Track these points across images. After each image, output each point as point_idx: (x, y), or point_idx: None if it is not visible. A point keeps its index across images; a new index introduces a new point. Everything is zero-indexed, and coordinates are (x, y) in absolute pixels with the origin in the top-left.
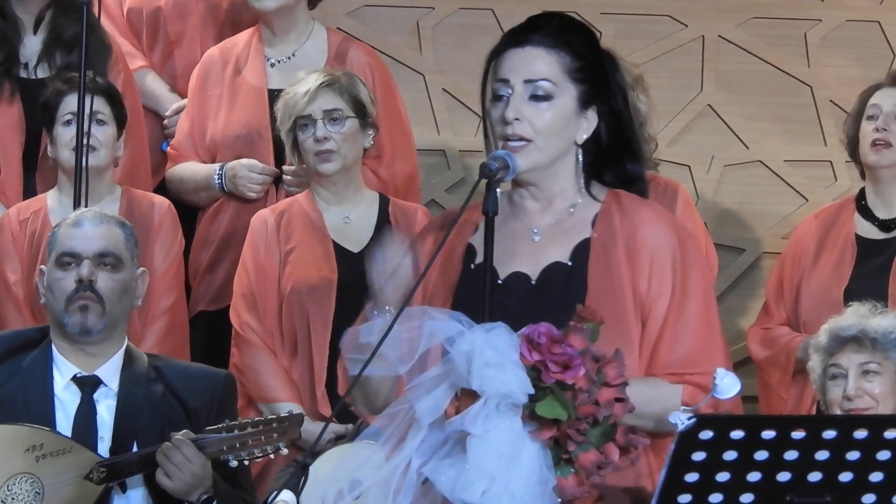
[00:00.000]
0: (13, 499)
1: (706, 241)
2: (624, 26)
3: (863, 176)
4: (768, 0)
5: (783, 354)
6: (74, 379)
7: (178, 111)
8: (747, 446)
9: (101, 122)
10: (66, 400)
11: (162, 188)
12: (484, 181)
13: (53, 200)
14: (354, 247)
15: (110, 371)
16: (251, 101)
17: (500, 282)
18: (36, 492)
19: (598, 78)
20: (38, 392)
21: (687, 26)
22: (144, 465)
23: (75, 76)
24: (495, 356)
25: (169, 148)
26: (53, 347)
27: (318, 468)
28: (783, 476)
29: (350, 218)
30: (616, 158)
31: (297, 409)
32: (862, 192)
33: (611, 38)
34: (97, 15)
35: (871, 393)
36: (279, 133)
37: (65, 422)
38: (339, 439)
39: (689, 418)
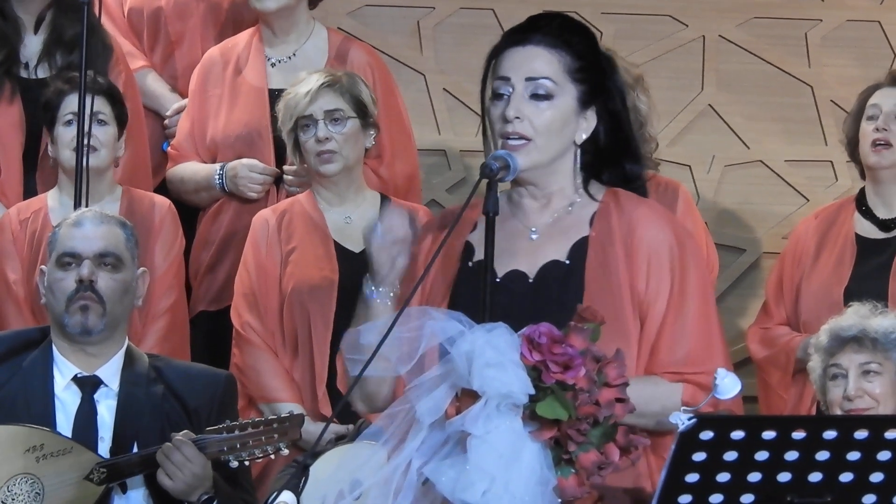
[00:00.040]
0: (13, 499)
1: (707, 241)
2: (624, 26)
3: (862, 176)
4: (769, 0)
5: (783, 354)
6: (75, 379)
7: (179, 111)
8: (748, 447)
9: (102, 123)
10: (67, 400)
11: (162, 188)
12: (484, 181)
13: (54, 200)
14: (356, 247)
15: (111, 371)
16: (252, 101)
17: (497, 280)
18: (36, 492)
19: (598, 79)
20: (39, 392)
21: (687, 26)
22: (145, 465)
23: (76, 76)
24: (496, 356)
25: (169, 148)
26: (54, 348)
27: (318, 468)
28: (784, 476)
29: (351, 218)
30: (614, 159)
31: (297, 409)
32: (862, 192)
33: (611, 38)
34: (98, 15)
35: (872, 393)
36: (280, 133)
37: (65, 422)
38: (340, 440)
39: (690, 418)
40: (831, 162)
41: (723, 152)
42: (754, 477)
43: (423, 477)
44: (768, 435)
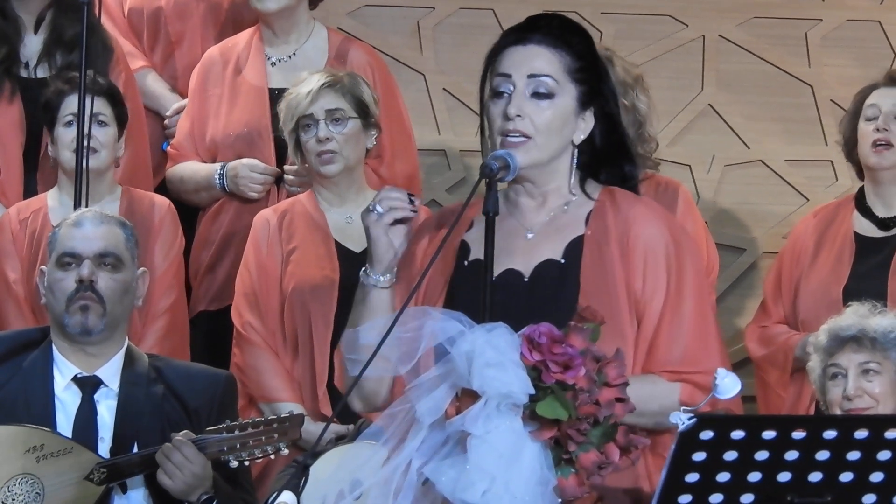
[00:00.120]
0: (14, 499)
1: (707, 241)
2: (624, 26)
3: (859, 176)
4: (769, 0)
5: (781, 353)
6: (75, 379)
7: (179, 111)
8: (748, 446)
9: (102, 124)
10: (67, 400)
11: (163, 188)
12: (484, 181)
13: (54, 200)
14: (356, 246)
15: (111, 371)
16: (252, 100)
17: (493, 279)
18: (36, 492)
19: (596, 80)
20: (39, 392)
21: (687, 26)
22: (145, 465)
23: (76, 76)
24: (496, 356)
25: (169, 147)
26: (54, 348)
27: (318, 468)
28: (784, 476)
29: (352, 218)
30: (611, 160)
31: (298, 409)
32: (861, 191)
33: (611, 38)
34: (98, 15)
35: (871, 392)
36: (280, 133)
37: (65, 422)
38: (340, 440)
39: (690, 418)
40: (831, 162)
41: (723, 152)
42: (754, 477)
43: (424, 477)
44: (768, 435)
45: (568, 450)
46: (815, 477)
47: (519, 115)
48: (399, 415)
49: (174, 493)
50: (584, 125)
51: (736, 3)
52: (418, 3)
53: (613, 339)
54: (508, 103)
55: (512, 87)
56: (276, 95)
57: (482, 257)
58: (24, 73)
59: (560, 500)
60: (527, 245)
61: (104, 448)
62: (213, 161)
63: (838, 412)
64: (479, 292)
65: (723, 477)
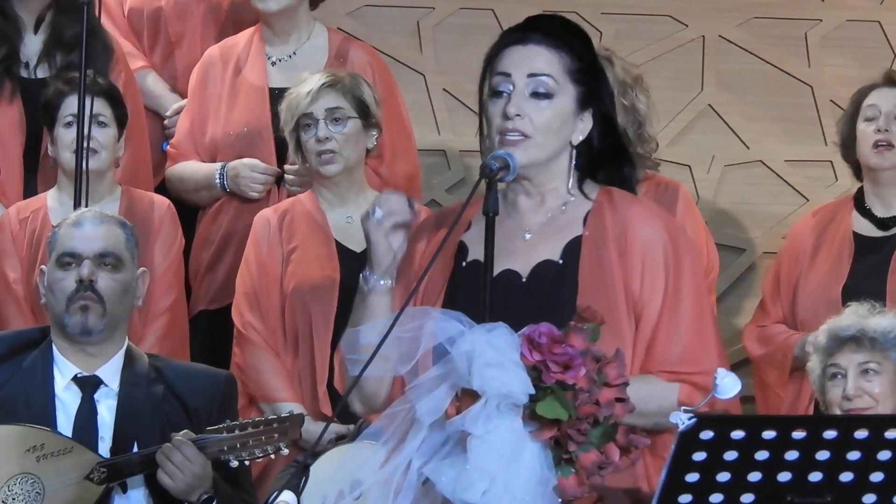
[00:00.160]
0: (14, 499)
1: (707, 241)
2: (624, 26)
3: (856, 175)
4: (768, 0)
5: (780, 352)
6: (75, 379)
7: (179, 111)
8: (748, 446)
9: (102, 125)
10: (67, 400)
11: (163, 188)
12: (484, 181)
13: (53, 200)
14: (357, 246)
15: (111, 371)
16: (252, 99)
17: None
18: (37, 492)
19: (595, 82)
20: (39, 392)
21: (687, 26)
22: (145, 465)
23: (76, 76)
24: (496, 356)
25: (168, 146)
26: (54, 348)
27: (318, 468)
28: (784, 476)
29: (353, 218)
30: (609, 162)
31: (298, 408)
32: (860, 191)
33: (611, 38)
34: (97, 15)
35: (871, 392)
36: (281, 132)
37: (65, 422)
38: (340, 439)
39: (690, 418)
40: (831, 162)
41: (723, 152)
42: (754, 476)
43: (424, 477)
44: (768, 434)
45: (568, 450)
46: (815, 477)
47: (518, 115)
48: (399, 415)
49: (174, 493)
50: (583, 126)
51: (736, 3)
52: (418, 3)
53: (611, 339)
54: (508, 102)
55: (511, 87)
56: (276, 95)
57: (480, 258)
58: (24, 73)
59: (560, 500)
60: (525, 246)
61: (104, 448)
62: (213, 160)
63: (838, 412)
64: (477, 293)
65: (723, 477)
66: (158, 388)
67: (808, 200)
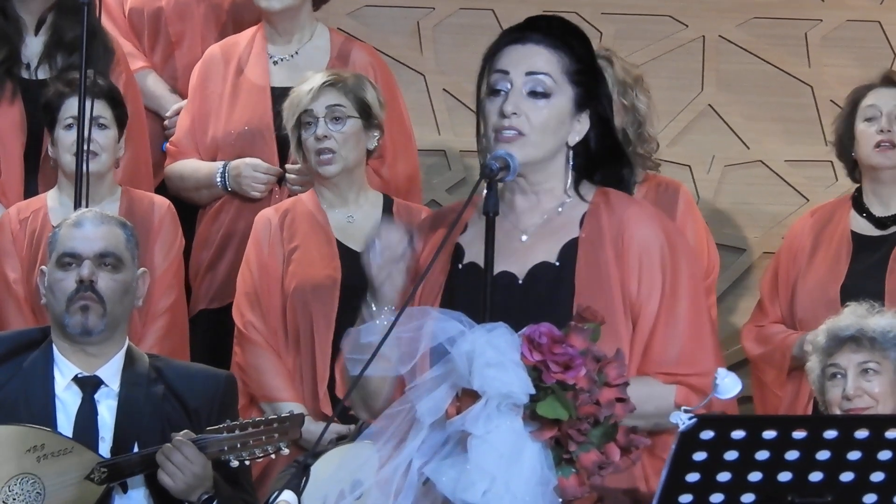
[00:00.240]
0: (14, 499)
1: (708, 242)
2: (624, 26)
3: (851, 175)
4: (769, 0)
5: (778, 352)
6: (75, 379)
7: (179, 112)
8: (748, 446)
9: (102, 126)
10: (67, 400)
11: (163, 189)
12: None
13: (53, 200)
14: (358, 246)
15: (111, 371)
16: (254, 98)
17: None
18: (37, 492)
19: (593, 83)
20: (39, 393)
21: (687, 26)
22: (145, 465)
23: (76, 77)
24: (496, 356)
25: (168, 144)
26: (54, 348)
27: (319, 468)
28: (784, 476)
29: (354, 217)
30: (606, 163)
31: (299, 408)
32: (858, 191)
33: (611, 38)
34: (98, 16)
35: (871, 392)
36: (283, 131)
37: (66, 422)
38: (341, 439)
39: (690, 418)
40: (831, 162)
41: (723, 152)
42: (755, 476)
43: (424, 477)
44: (769, 434)
45: (568, 450)
46: (815, 477)
47: (515, 113)
48: (399, 415)
49: (174, 493)
50: (580, 127)
51: (736, 3)
52: (418, 4)
53: (609, 341)
54: (505, 101)
55: (509, 85)
56: (278, 94)
57: (477, 260)
58: (24, 74)
59: (560, 500)
60: (521, 247)
61: (105, 448)
62: (213, 159)
63: (838, 412)
64: (474, 295)
65: (723, 477)
66: (159, 388)
67: (808, 200)
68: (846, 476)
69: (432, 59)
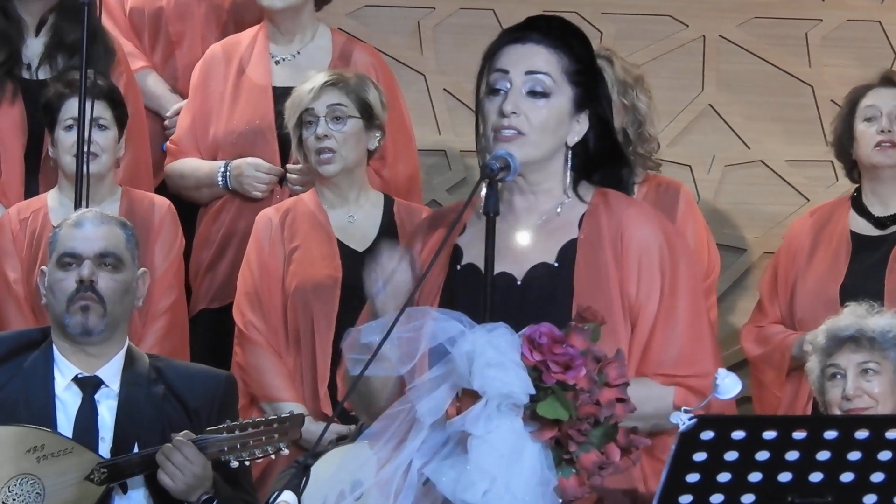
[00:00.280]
0: (14, 499)
1: (709, 242)
2: (624, 26)
3: (849, 175)
4: (769, 0)
5: (777, 352)
6: (75, 380)
7: (179, 112)
8: (748, 446)
9: (102, 127)
10: (67, 401)
11: (163, 189)
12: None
13: (54, 200)
14: (359, 246)
15: (111, 372)
16: (255, 98)
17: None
18: (37, 492)
19: (592, 84)
20: (39, 393)
21: (688, 26)
22: (146, 465)
23: (76, 78)
24: (497, 356)
25: (168, 143)
26: (54, 348)
27: (319, 469)
28: (784, 476)
29: (354, 217)
30: (605, 164)
31: (299, 408)
32: (857, 190)
33: (611, 38)
34: (98, 16)
35: (871, 392)
36: (284, 130)
37: (66, 422)
38: (341, 440)
39: (691, 418)
40: (831, 162)
41: (723, 152)
42: (755, 477)
43: (424, 477)
44: (769, 435)
45: (568, 450)
46: (815, 477)
47: (514, 112)
48: (399, 415)
49: (174, 494)
50: (579, 127)
51: (736, 3)
52: (418, 4)
53: (608, 342)
54: (504, 100)
55: (509, 85)
56: (280, 94)
57: (475, 261)
58: (25, 75)
59: (561, 500)
60: (519, 248)
61: (105, 448)
62: (214, 158)
63: (837, 412)
64: (473, 296)
65: (723, 477)
66: (159, 388)
67: (808, 200)
68: (846, 476)
69: (432, 59)
